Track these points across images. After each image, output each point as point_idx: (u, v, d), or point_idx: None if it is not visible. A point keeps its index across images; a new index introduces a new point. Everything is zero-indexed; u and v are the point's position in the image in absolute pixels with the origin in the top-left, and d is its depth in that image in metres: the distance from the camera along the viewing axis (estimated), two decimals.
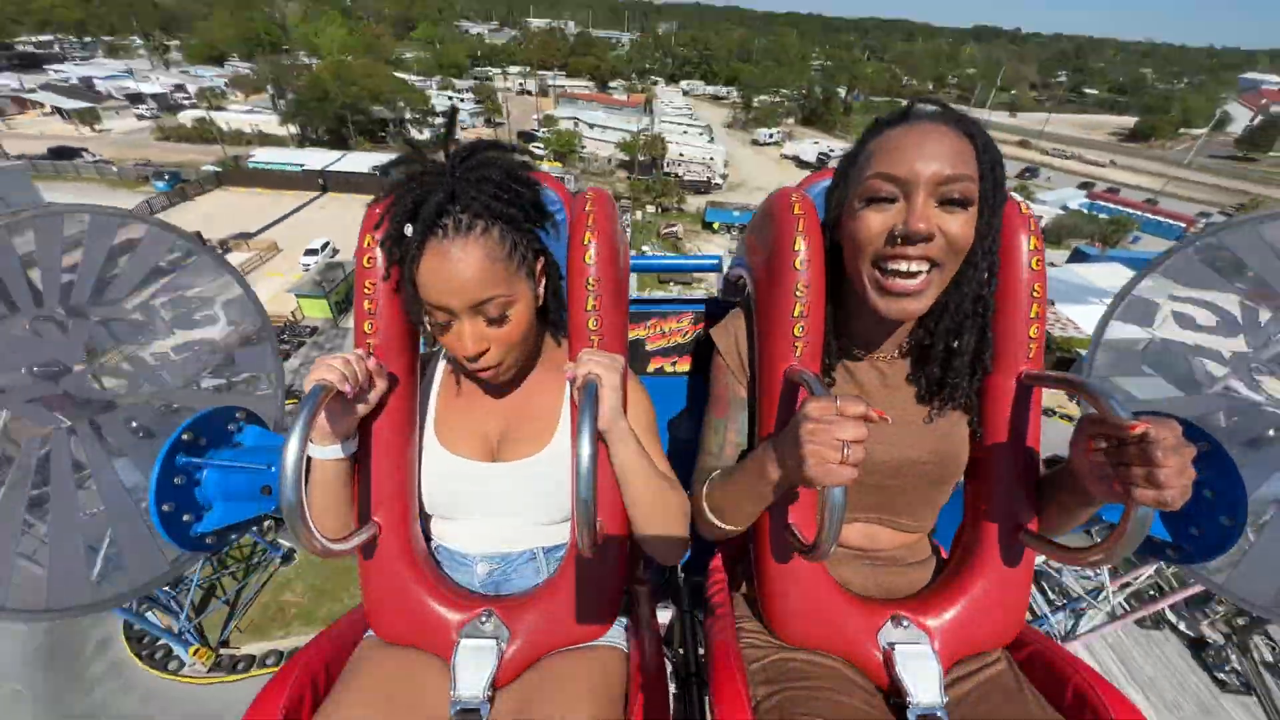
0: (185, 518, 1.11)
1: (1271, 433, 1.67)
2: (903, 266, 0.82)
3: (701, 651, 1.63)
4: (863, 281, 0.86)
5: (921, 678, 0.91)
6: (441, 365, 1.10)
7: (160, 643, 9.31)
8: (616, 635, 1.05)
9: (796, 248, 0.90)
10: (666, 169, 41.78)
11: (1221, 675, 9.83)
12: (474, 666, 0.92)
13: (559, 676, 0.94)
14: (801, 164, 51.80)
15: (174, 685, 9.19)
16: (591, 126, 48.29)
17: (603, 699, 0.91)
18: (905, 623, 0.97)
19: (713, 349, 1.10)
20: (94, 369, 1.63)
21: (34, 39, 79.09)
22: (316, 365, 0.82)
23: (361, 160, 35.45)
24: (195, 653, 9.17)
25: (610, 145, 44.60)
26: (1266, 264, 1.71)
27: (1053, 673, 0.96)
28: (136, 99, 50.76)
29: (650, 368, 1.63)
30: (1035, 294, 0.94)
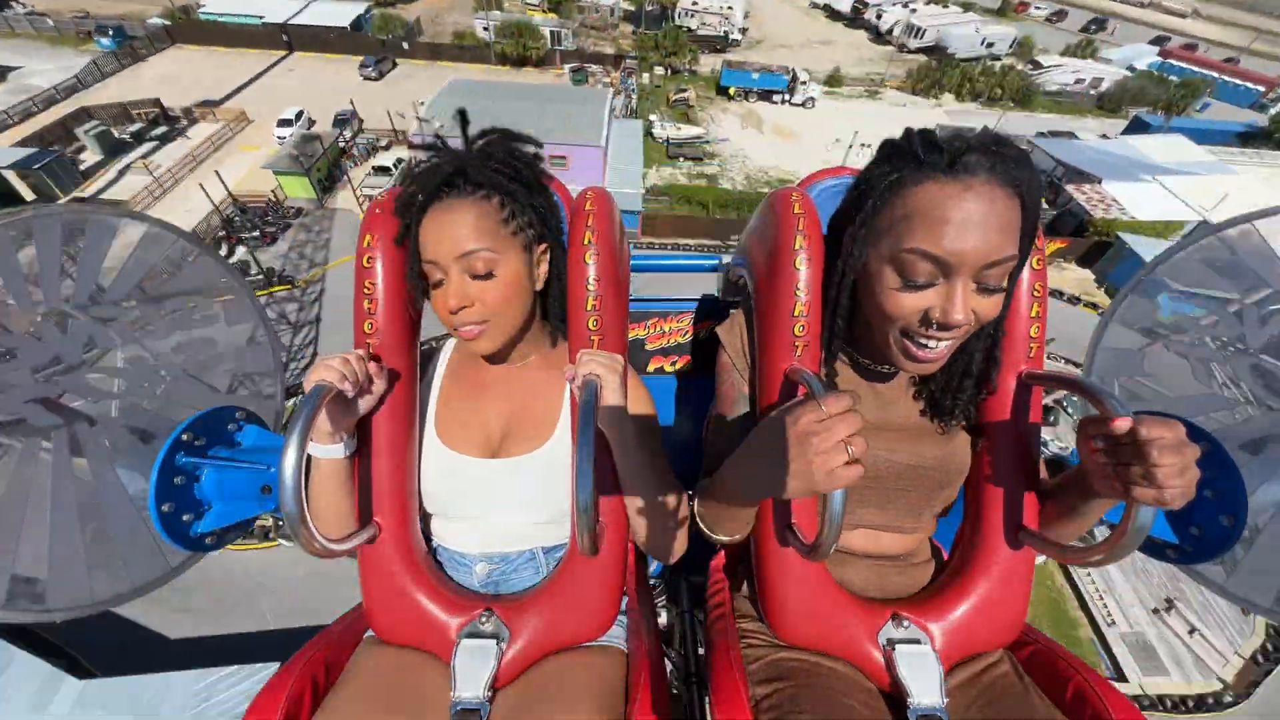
0: (185, 517, 1.11)
1: (1272, 433, 1.67)
2: (931, 345, 0.81)
3: (701, 651, 1.63)
4: (887, 344, 0.85)
5: (922, 678, 0.91)
6: (443, 362, 1.10)
7: None
8: (616, 635, 1.05)
9: (796, 247, 0.90)
10: (678, 20, 35.35)
11: None
12: (474, 667, 0.92)
13: (559, 677, 0.94)
14: (834, 15, 42.09)
15: None
16: None
17: (603, 699, 0.91)
18: (906, 623, 0.97)
19: (716, 349, 1.10)
20: (93, 369, 1.63)
21: None
22: (316, 365, 0.82)
23: (327, 10, 30.17)
24: None
25: None
26: (1266, 263, 1.71)
27: (1053, 673, 0.96)
28: None
29: (650, 368, 1.63)
30: (1036, 293, 0.94)
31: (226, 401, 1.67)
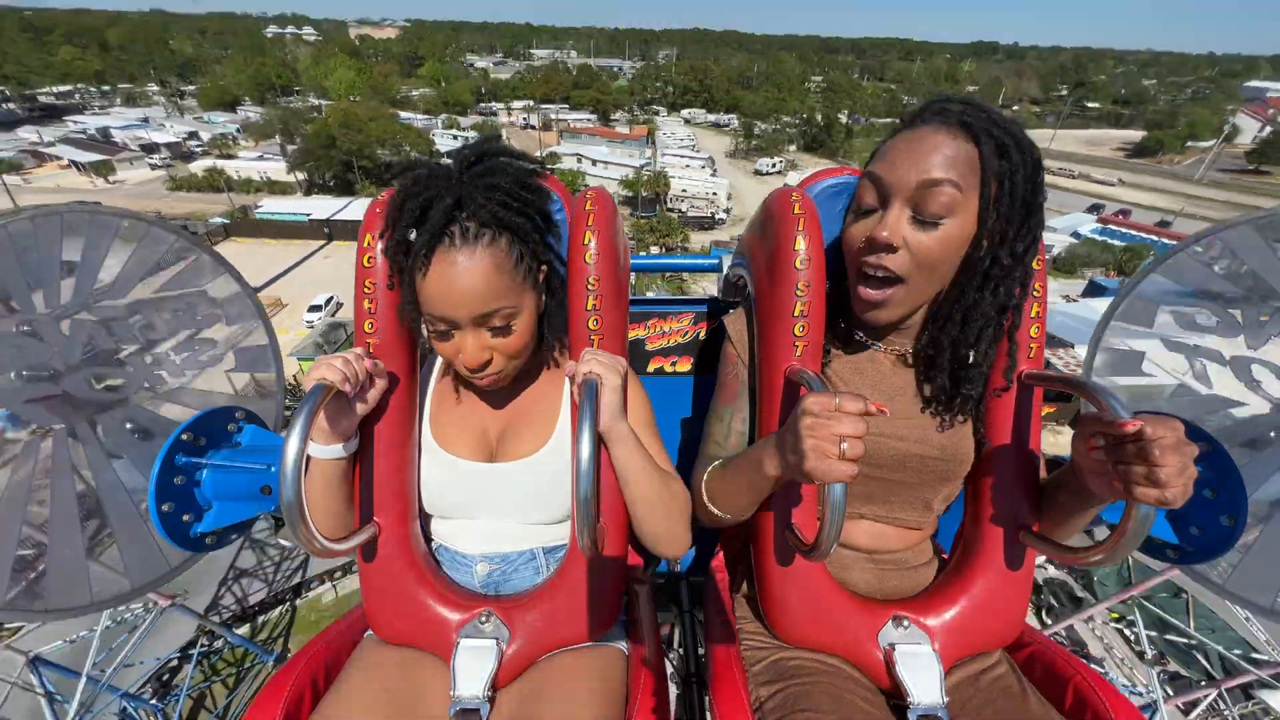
0: (185, 518, 1.11)
1: (1271, 434, 1.67)
2: (873, 276, 0.87)
3: (701, 652, 1.63)
4: (853, 285, 0.92)
5: (922, 678, 0.91)
6: (438, 365, 1.10)
7: None
8: (616, 635, 1.05)
9: (797, 247, 0.90)
10: (670, 205, 40.43)
11: None
12: (474, 667, 0.92)
13: (559, 677, 0.94)
14: None
15: None
16: (595, 163, 46.50)
17: (603, 699, 0.91)
18: (906, 623, 0.96)
19: (719, 344, 1.11)
20: (93, 369, 1.63)
21: (55, 89, 79.03)
22: (316, 364, 0.81)
23: (366, 205, 36.01)
24: None
25: (613, 182, 42.28)
26: (1266, 263, 1.72)
27: (1053, 673, 0.96)
28: (150, 149, 50.11)
29: (650, 368, 1.63)
30: (1036, 293, 0.94)
31: (226, 402, 1.67)
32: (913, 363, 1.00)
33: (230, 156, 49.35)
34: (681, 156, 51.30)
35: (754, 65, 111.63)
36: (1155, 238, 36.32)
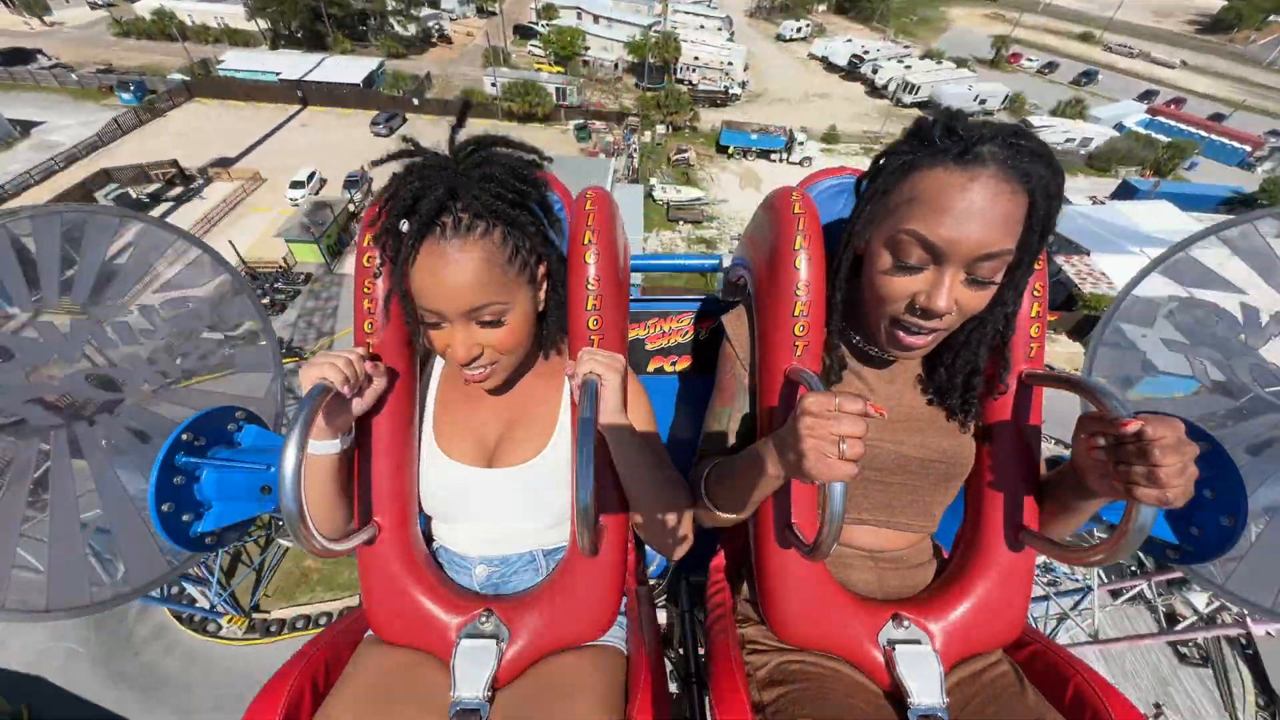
0: (185, 517, 1.11)
1: (1272, 434, 1.67)
2: (915, 330, 0.83)
3: (701, 652, 1.63)
4: (877, 328, 0.88)
5: (922, 678, 0.91)
6: (439, 366, 1.10)
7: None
8: (616, 635, 1.05)
9: (797, 247, 0.90)
10: (679, 75, 35.47)
11: (1183, 649, 10.13)
12: (474, 667, 0.92)
13: (559, 677, 0.94)
14: (831, 67, 43.81)
15: (213, 646, 10.12)
16: (596, 20, 40.49)
17: (602, 699, 0.91)
18: (906, 623, 0.96)
19: (719, 342, 1.11)
20: (93, 368, 1.63)
21: None
22: (316, 363, 0.81)
23: (341, 66, 32.43)
24: (230, 619, 10.12)
25: (618, 44, 38.45)
26: (1265, 263, 1.72)
27: (1053, 672, 0.96)
28: None
29: (650, 368, 1.62)
30: (1036, 293, 0.94)
31: (226, 402, 1.66)
32: (919, 363, 1.00)
33: None
34: (695, 14, 43.79)
35: None
36: (1205, 133, 31.30)
